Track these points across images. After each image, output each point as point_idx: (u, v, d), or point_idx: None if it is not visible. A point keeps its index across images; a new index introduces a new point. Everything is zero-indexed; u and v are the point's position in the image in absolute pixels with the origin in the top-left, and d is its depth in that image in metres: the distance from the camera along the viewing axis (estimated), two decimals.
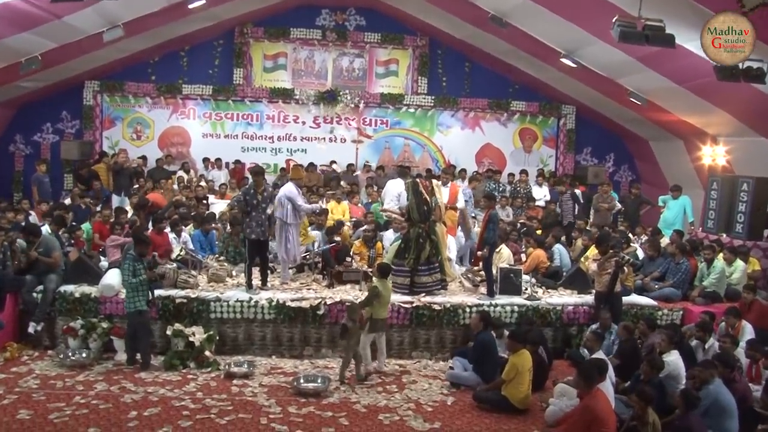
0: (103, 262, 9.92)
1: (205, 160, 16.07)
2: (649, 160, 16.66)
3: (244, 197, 9.13)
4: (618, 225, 13.39)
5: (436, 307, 9.17)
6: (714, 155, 13.87)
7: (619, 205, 13.74)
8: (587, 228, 12.87)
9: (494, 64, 16.67)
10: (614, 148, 17.48)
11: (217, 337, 8.75)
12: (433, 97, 16.91)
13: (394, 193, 11.21)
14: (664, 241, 11.90)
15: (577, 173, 16.34)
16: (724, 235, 11.56)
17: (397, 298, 9.15)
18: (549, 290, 10.03)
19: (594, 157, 17.52)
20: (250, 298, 8.97)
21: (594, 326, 8.95)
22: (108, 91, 16.18)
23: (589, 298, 9.69)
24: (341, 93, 16.57)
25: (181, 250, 10.06)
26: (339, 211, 12.94)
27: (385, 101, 16.87)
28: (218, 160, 16.04)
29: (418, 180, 9.69)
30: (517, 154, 17.52)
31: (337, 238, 10.23)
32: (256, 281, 9.38)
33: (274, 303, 8.94)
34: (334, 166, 16.30)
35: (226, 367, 8.31)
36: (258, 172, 9.35)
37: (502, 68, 16.78)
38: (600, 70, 13.35)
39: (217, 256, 10.87)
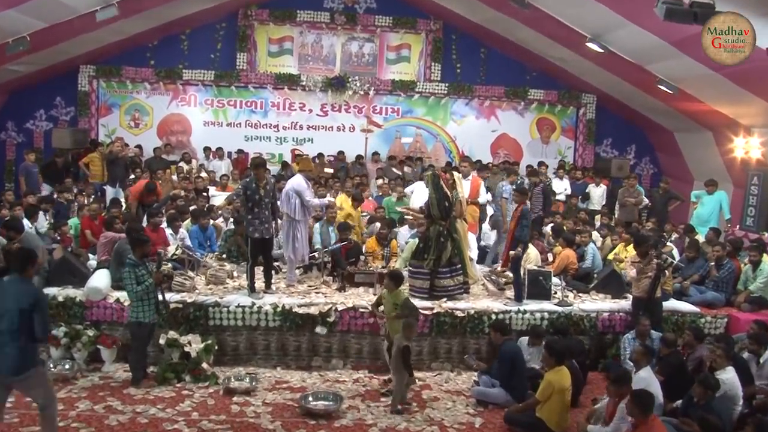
0: (92, 261, 8.94)
1: (206, 149, 15.07)
2: (672, 153, 15.62)
3: (244, 192, 8.12)
4: (645, 221, 12.33)
5: (459, 314, 8.18)
6: (747, 147, 12.83)
7: (646, 200, 12.71)
8: (610, 224, 11.90)
9: (511, 50, 15.62)
10: (635, 139, 16.46)
11: (216, 347, 7.76)
12: (446, 85, 15.87)
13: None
14: (699, 239, 10.91)
15: (599, 166, 15.26)
16: (767, 234, 10.53)
17: (415, 303, 8.15)
18: (580, 294, 9.02)
19: (614, 149, 16.51)
20: (253, 303, 7.99)
21: (629, 335, 7.98)
22: (104, 77, 15.14)
23: (625, 304, 8.71)
24: (350, 79, 15.54)
25: (177, 248, 9.04)
26: (349, 205, 11.90)
27: (396, 88, 15.86)
28: (220, 149, 15.04)
29: (438, 172, 8.63)
30: (534, 145, 16.50)
31: (350, 236, 9.18)
32: (260, 283, 8.40)
33: (279, 309, 7.96)
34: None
35: (226, 381, 7.32)
36: (259, 164, 8.32)
37: (519, 54, 15.74)
38: (628, 56, 12.30)
39: (217, 254, 9.84)
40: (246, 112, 15.76)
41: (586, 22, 11.83)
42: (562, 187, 14.10)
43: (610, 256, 9.99)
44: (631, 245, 9.79)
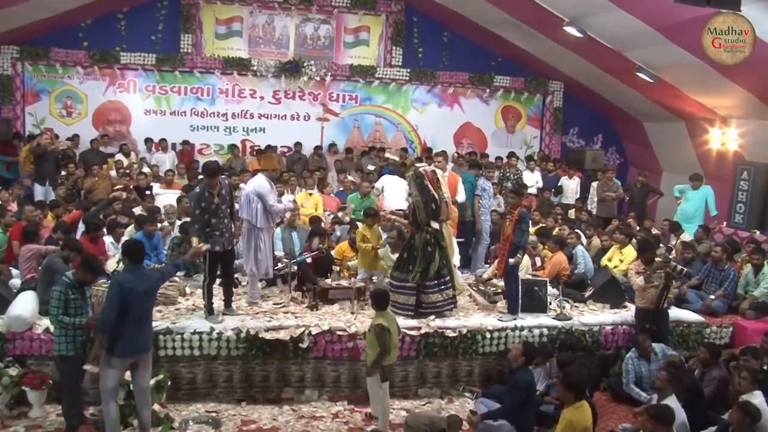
0: (15, 280, 7.44)
1: (148, 140, 13.49)
2: (640, 143, 14.94)
3: (198, 204, 6.77)
4: (626, 216, 11.50)
5: (450, 334, 7.10)
6: (724, 139, 12.18)
7: (623, 194, 11.90)
8: (590, 220, 11.04)
9: (476, 34, 14.56)
10: (602, 129, 15.69)
11: (169, 382, 6.43)
12: (408, 70, 14.69)
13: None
14: (685, 237, 10.15)
15: (571, 157, 14.39)
16: (758, 233, 9.83)
17: (400, 323, 7.01)
18: (576, 305, 8.06)
19: (581, 139, 15.71)
20: (212, 329, 6.68)
21: (632, 354, 7.11)
22: (30, 59, 13.32)
23: (627, 315, 7.80)
24: (305, 64, 14.16)
25: (118, 262, 7.59)
26: (310, 204, 10.66)
27: (354, 74, 14.58)
28: (163, 140, 13.48)
29: (422, 170, 7.44)
30: (499, 135, 15.54)
31: (321, 245, 7.90)
32: (218, 301, 7.10)
33: (243, 334, 6.68)
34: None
35: (183, 426, 6.03)
36: (211, 172, 6.90)
37: (484, 39, 14.70)
38: (608, 42, 11.41)
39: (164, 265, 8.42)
40: (191, 100, 14.20)
41: (567, 4, 10.86)
42: (533, 179, 13.17)
43: (604, 261, 9.06)
44: (628, 248, 8.94)
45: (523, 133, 15.57)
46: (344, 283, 7.69)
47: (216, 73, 14.09)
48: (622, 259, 8.93)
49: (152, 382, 6.22)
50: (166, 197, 10.82)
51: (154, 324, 6.54)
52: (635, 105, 13.84)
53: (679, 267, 7.40)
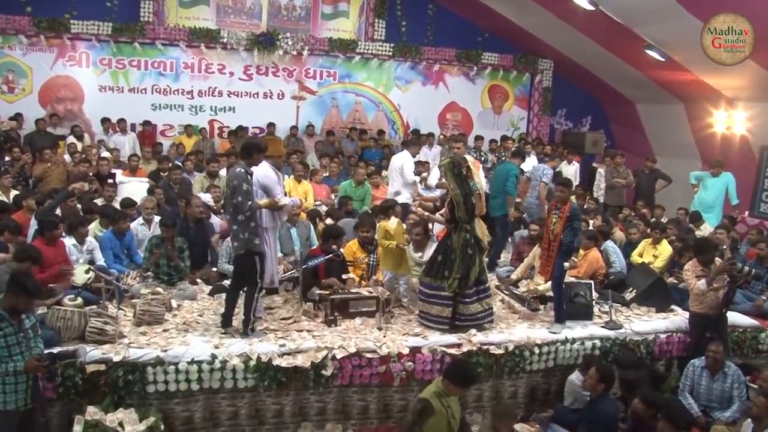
0: None
1: (105, 121, 11.78)
2: (631, 125, 14.07)
3: (249, 189, 5.40)
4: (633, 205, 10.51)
5: (496, 351, 5.89)
6: (729, 122, 11.36)
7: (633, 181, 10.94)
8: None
9: (462, 6, 13.32)
10: (592, 110, 14.73)
11: (162, 426, 5.02)
12: (391, 45, 13.32)
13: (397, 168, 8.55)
14: (706, 228, 9.24)
15: (569, 140, 13.36)
16: None
17: (435, 339, 5.81)
18: (620, 309, 6.97)
19: (569, 121, 14.76)
20: (213, 357, 5.28)
21: (697, 362, 6.06)
22: None
23: (678, 321, 6.77)
24: (280, 37, 12.60)
25: (88, 271, 6.06)
26: (300, 192, 9.25)
27: (333, 48, 13.13)
28: (122, 121, 11.79)
29: (459, 159, 6.16)
30: (485, 116, 14.44)
31: (334, 246, 6.53)
32: (209, 318, 5.72)
33: (253, 362, 5.30)
34: None
35: None
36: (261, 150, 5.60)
37: (471, 12, 13.51)
38: (619, 17, 10.32)
39: (142, 271, 6.90)
40: (153, 75, 12.50)
41: None
42: (528, 164, 11.97)
43: (634, 257, 8.02)
44: (663, 243, 7.93)
45: (510, 114, 14.51)
46: (363, 291, 6.35)
47: (180, 45, 12.42)
48: (657, 255, 7.93)
49: (142, 426, 4.84)
50: (131, 186, 9.26)
51: (139, 353, 5.16)
52: (632, 85, 12.93)
53: (746, 268, 6.39)
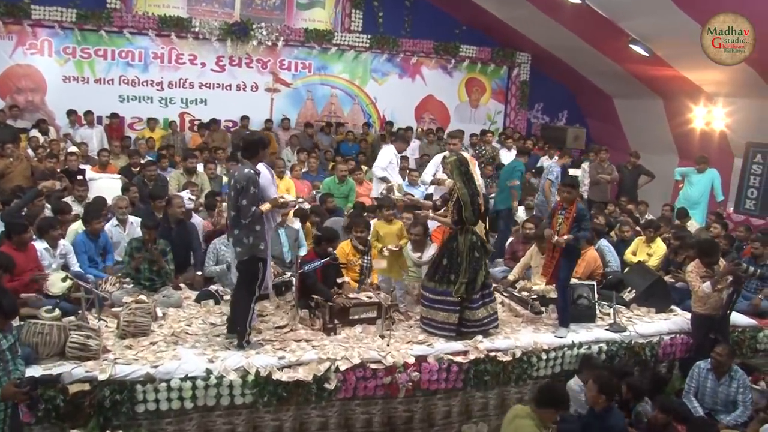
0: None
1: (71, 113, 11.09)
2: (607, 120, 13.96)
3: (256, 190, 5.01)
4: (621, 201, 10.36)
5: (503, 358, 5.60)
6: (709, 118, 11.30)
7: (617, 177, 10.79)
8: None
9: None
10: (568, 105, 14.58)
11: None
12: (368, 37, 12.91)
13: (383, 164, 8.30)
14: (692, 224, 9.16)
15: (550, 134, 13.17)
16: None
17: (441, 347, 5.50)
18: (620, 311, 6.75)
19: (545, 115, 14.56)
20: (209, 372, 4.86)
21: (702, 364, 5.88)
22: None
23: (680, 321, 6.60)
24: (254, 27, 12.06)
25: (65, 279, 5.52)
26: (282, 189, 8.78)
27: (309, 39, 12.65)
28: (89, 113, 11.14)
29: (466, 157, 5.83)
30: (462, 109, 14.16)
31: (330, 249, 6.11)
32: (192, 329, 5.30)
33: (251, 377, 4.88)
34: None
35: None
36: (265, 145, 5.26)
37: (448, 4, 13.16)
38: (604, 11, 10.14)
39: (120, 276, 6.36)
40: (120, 66, 11.84)
41: None
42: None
43: (628, 255, 7.84)
44: (657, 241, 7.77)
45: (487, 108, 14.26)
46: (362, 296, 5.98)
47: (149, 34, 11.78)
48: (651, 254, 7.78)
49: None
50: (102, 183, 8.68)
51: (126, 370, 4.69)
52: (611, 80, 12.81)
53: (751, 268, 6.23)
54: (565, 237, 5.75)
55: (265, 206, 5.02)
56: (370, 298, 5.91)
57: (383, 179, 8.36)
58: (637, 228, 8.56)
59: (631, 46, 10.52)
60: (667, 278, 7.15)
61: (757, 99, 9.96)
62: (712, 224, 8.63)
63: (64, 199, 7.64)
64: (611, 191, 10.90)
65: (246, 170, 5.01)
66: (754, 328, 6.86)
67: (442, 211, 5.98)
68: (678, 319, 6.65)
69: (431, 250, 6.38)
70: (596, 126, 14.61)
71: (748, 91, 10.07)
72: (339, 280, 6.18)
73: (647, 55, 10.47)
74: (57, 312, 5.00)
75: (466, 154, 6.23)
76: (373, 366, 5.20)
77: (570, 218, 5.89)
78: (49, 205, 7.08)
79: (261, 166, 5.35)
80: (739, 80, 9.95)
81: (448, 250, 5.70)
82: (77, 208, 7.40)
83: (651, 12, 9.48)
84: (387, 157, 8.49)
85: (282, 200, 5.26)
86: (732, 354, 5.98)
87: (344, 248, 6.70)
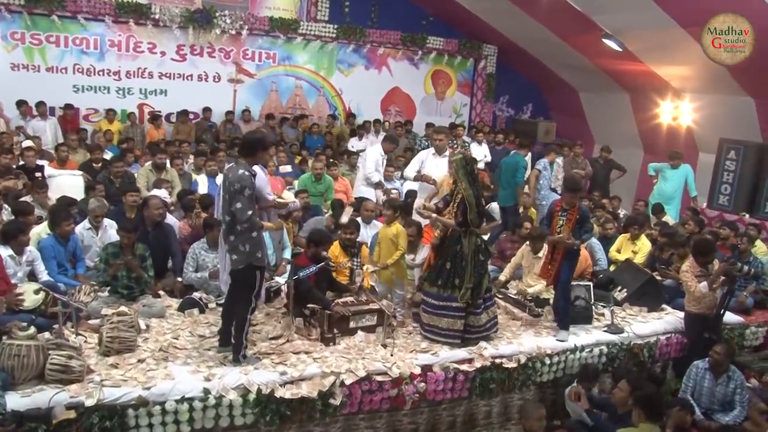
0: None
1: (22, 104, 10.28)
2: (572, 113, 13.95)
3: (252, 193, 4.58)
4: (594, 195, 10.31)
5: (508, 365, 5.38)
6: (676, 113, 11.39)
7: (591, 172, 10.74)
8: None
9: None
10: (533, 98, 14.51)
11: None
12: (334, 27, 12.48)
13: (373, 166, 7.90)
14: (668, 219, 9.17)
15: (520, 128, 13.03)
16: (747, 216, 9.00)
17: (446, 355, 5.24)
18: (614, 310, 6.62)
19: (510, 108, 14.46)
20: (207, 392, 4.44)
21: (700, 363, 5.81)
22: None
23: (674, 321, 6.53)
24: (217, 14, 11.48)
25: (38, 291, 4.97)
26: None
27: (273, 28, 12.14)
28: (41, 104, 10.36)
29: (470, 155, 5.56)
30: (428, 102, 13.93)
31: (324, 253, 5.74)
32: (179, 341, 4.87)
33: (253, 396, 4.50)
34: None
35: None
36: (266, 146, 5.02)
37: None
38: (578, 4, 10.03)
39: (94, 285, 5.80)
40: (75, 53, 11.07)
41: None
42: (481, 153, 11.64)
43: (612, 253, 7.75)
44: (642, 239, 7.69)
45: (453, 101, 14.07)
46: (362, 303, 5.64)
47: (106, 20, 11.05)
48: (636, 251, 7.69)
49: None
50: (62, 180, 8.03)
51: (115, 393, 4.24)
52: (578, 74, 12.76)
53: (746, 267, 6.20)
54: (578, 242, 5.59)
55: (268, 225, 4.62)
56: (370, 304, 5.58)
57: (378, 184, 8.08)
58: (615, 224, 8.51)
59: (604, 40, 10.46)
60: (654, 275, 7.08)
61: (725, 95, 10.03)
62: (688, 220, 8.66)
63: (22, 199, 7.01)
64: (584, 186, 10.84)
65: (240, 171, 4.60)
66: (741, 325, 6.87)
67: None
68: (671, 318, 6.58)
69: (424, 252, 6.13)
70: (561, 119, 14.58)
71: (716, 88, 10.14)
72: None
73: (620, 50, 10.43)
74: (32, 330, 4.46)
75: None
76: (379, 378, 4.89)
77: (572, 220, 5.71)
78: (8, 207, 6.46)
79: (256, 167, 4.96)
80: (708, 77, 9.99)
81: (451, 253, 5.42)
82: (39, 211, 6.77)
83: (626, 7, 9.42)
84: (374, 158, 8.15)
85: (281, 201, 4.88)
86: (730, 353, 5.95)
87: (333, 251, 6.33)
